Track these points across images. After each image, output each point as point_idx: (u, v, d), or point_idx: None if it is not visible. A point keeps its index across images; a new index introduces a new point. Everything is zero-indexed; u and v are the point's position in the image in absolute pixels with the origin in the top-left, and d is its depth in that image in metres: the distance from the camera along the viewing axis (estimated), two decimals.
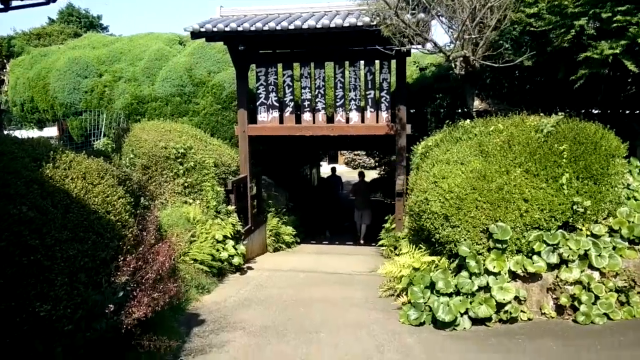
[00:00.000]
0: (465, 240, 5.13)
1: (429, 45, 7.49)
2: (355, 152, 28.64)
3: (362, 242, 12.61)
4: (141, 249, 4.78)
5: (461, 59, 6.35)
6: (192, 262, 6.94)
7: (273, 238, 11.09)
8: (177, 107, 11.77)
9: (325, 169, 22.82)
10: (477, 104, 7.02)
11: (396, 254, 8.22)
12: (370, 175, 22.07)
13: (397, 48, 7.17)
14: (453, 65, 6.81)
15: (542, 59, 6.11)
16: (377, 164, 25.56)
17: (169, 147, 8.17)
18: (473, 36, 5.82)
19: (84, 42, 13.55)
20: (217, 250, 7.74)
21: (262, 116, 9.76)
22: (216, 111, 11.64)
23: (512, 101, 7.21)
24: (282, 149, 12.07)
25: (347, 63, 9.38)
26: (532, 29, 5.91)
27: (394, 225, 9.84)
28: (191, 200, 8.19)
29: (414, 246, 6.59)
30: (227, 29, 8.40)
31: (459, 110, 9.72)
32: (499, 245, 4.91)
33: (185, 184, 8.14)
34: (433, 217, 5.56)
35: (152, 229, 5.35)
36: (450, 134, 6.63)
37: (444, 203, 5.36)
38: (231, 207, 8.89)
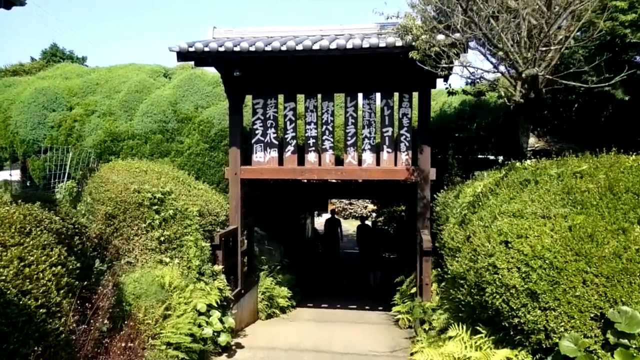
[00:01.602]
0: (567, 330, 3.49)
1: (464, 71, 6.13)
2: (348, 201, 27.04)
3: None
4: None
5: (519, 84, 4.94)
6: (164, 347, 5.11)
7: (266, 302, 9.29)
8: (157, 145, 10.17)
9: (319, 219, 21.25)
10: (533, 141, 5.64)
11: (424, 330, 6.51)
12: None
13: (428, 69, 5.77)
14: (503, 94, 5.40)
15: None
16: (371, 213, 24.05)
17: (143, 192, 6.50)
18: (541, 49, 4.41)
19: (55, 72, 12.05)
20: (199, 325, 5.95)
21: (258, 156, 8.20)
22: (203, 151, 10.05)
23: (575, 139, 5.83)
24: (278, 196, 10.43)
25: (360, 95, 7.98)
26: (631, 39, 4.57)
27: (412, 289, 8.15)
28: (168, 259, 6.44)
29: (463, 327, 4.90)
30: (222, 48, 6.97)
31: (491, 152, 8.31)
32: (625, 341, 3.29)
33: (162, 238, 6.42)
34: (507, 292, 3.94)
35: (105, 307, 3.62)
36: (508, 178, 5.11)
37: (528, 274, 3.75)
38: (218, 267, 7.15)
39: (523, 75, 4.47)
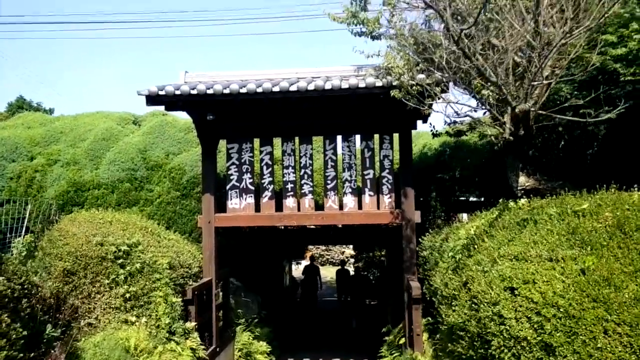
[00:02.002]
0: None
1: (447, 109, 5.96)
2: (325, 247, 26.45)
3: None
4: None
5: (508, 121, 4.76)
6: None
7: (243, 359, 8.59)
8: (125, 195, 9.60)
9: (296, 266, 20.57)
10: (524, 180, 5.43)
11: None
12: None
13: (411, 108, 5.58)
14: (489, 133, 5.22)
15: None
16: (348, 259, 23.47)
17: (107, 244, 5.93)
18: (531, 84, 4.24)
19: (17, 122, 11.48)
20: None
21: (234, 202, 7.76)
22: (174, 199, 9.54)
23: (563, 176, 5.65)
24: (255, 244, 9.91)
25: (339, 137, 7.73)
26: (623, 77, 4.45)
27: (401, 340, 7.64)
28: (134, 318, 5.81)
29: None
30: (194, 92, 6.66)
31: (475, 194, 8.10)
32: None
33: (127, 295, 5.81)
34: (517, 345, 3.53)
35: None
36: (503, 219, 4.82)
37: (541, 324, 3.37)
38: (190, 324, 6.53)
39: (516, 110, 4.28)
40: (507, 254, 4.20)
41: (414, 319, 6.49)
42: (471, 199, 9.22)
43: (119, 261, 5.90)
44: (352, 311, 14.29)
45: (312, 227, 10.96)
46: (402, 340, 7.54)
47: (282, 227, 11.20)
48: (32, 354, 3.17)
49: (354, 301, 14.77)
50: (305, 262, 18.56)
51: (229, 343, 8.28)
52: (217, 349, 7.56)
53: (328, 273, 21.90)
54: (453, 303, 4.82)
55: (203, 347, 6.53)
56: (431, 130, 8.25)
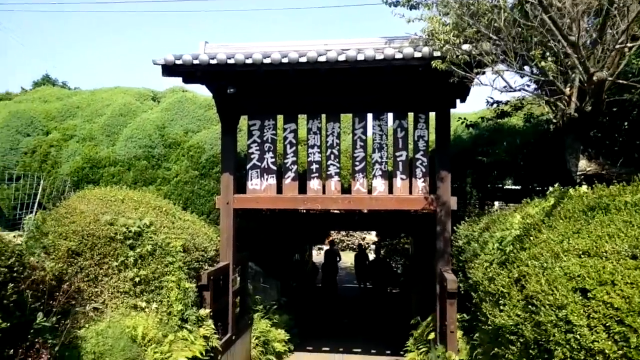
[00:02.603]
0: None
1: (496, 82, 5.25)
2: (346, 232, 25.90)
3: None
4: None
5: (574, 94, 4.06)
6: None
7: (261, 348, 8.17)
8: (141, 173, 9.19)
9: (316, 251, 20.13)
10: (584, 165, 4.74)
11: None
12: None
13: (457, 79, 4.92)
14: (546, 110, 4.53)
15: None
16: (369, 245, 22.88)
17: (117, 224, 5.47)
18: (612, 47, 3.52)
19: (34, 96, 11.17)
20: None
21: (254, 183, 7.23)
22: (192, 179, 9.09)
23: (629, 162, 4.94)
24: (275, 228, 9.42)
25: (370, 115, 7.10)
26: None
27: (430, 335, 7.06)
28: (144, 304, 5.37)
29: None
30: (213, 61, 6.11)
31: (518, 180, 7.40)
32: None
33: (137, 279, 5.36)
34: (588, 358, 2.92)
35: None
36: (563, 207, 4.17)
37: (625, 336, 2.76)
38: (204, 311, 6.08)
39: (594, 77, 3.58)
40: (574, 248, 3.56)
41: (448, 314, 5.89)
42: (507, 186, 8.52)
43: (129, 242, 5.44)
44: (373, 298, 13.88)
45: (336, 211, 10.43)
46: (432, 335, 6.97)
47: (305, 211, 10.69)
48: (18, 349, 2.70)
49: (375, 288, 14.34)
50: (326, 247, 18.18)
51: (245, 331, 7.84)
52: (233, 337, 7.13)
53: (348, 259, 21.39)
54: (501, 302, 4.20)
55: (217, 335, 6.08)
56: (462, 121, 7.55)
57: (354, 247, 25.81)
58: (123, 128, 9.61)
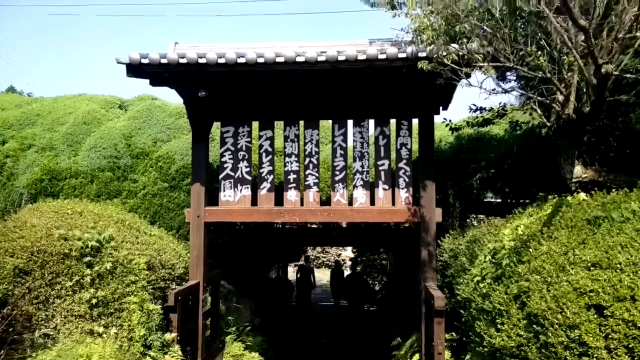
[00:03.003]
0: None
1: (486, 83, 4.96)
2: (322, 249, 25.42)
3: None
4: None
5: (572, 93, 3.77)
6: None
7: None
8: (106, 185, 8.57)
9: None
10: (580, 171, 4.45)
11: None
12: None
13: (444, 81, 4.61)
14: (541, 114, 4.24)
15: None
16: (344, 262, 22.39)
17: (72, 239, 4.91)
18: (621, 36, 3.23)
19: None
20: None
21: (227, 194, 6.75)
22: (161, 191, 8.52)
23: (623, 168, 4.68)
24: (250, 243, 8.90)
25: (350, 122, 6.74)
26: None
27: (415, 357, 6.65)
28: (102, 329, 4.80)
29: None
30: (183, 60, 5.66)
31: (500, 192, 7.13)
32: None
33: (94, 301, 4.79)
34: None
35: None
36: (562, 216, 3.84)
37: None
38: (171, 335, 5.51)
39: (602, 70, 3.28)
40: (581, 260, 3.22)
41: (435, 334, 5.46)
42: (489, 199, 8.28)
43: (86, 259, 4.88)
44: (350, 317, 13.45)
45: (313, 226, 10.00)
46: (416, 358, 6.55)
47: (280, 225, 10.22)
48: None
49: (350, 306, 13.94)
50: (301, 262, 17.74)
51: (216, 355, 7.26)
52: None
53: (324, 276, 20.88)
54: (498, 320, 3.83)
55: None
56: (446, 124, 7.28)
57: (330, 264, 25.35)
58: (86, 137, 8.99)
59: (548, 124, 4.33)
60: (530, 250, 3.78)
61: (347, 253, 22.45)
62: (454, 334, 5.55)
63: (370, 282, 16.87)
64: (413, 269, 7.48)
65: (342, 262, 21.04)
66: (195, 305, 6.63)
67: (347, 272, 16.60)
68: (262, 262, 9.87)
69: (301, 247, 12.58)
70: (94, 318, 4.82)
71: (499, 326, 3.81)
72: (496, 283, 4.08)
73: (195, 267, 6.63)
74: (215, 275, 7.50)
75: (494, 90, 4.72)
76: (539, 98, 4.14)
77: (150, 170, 8.66)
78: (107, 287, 4.90)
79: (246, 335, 8.32)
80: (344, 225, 10.04)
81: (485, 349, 4.00)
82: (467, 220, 7.61)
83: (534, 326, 3.24)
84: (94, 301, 4.76)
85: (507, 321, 3.65)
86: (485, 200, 8.15)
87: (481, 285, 4.31)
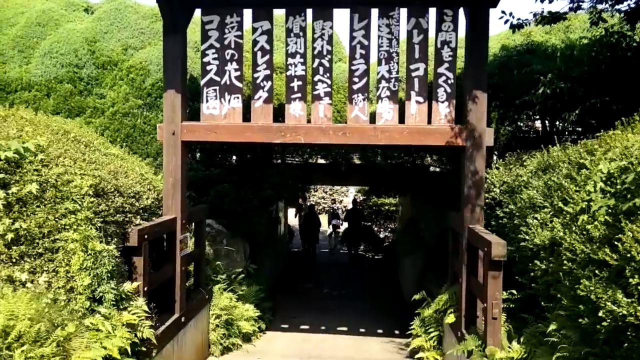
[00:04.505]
0: None
1: None
2: (323, 191, 24.04)
3: None
4: None
5: None
6: None
7: (222, 330, 6.35)
8: (65, 100, 6.97)
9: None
10: None
11: None
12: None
13: None
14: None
15: None
16: (346, 208, 21.14)
17: None
18: None
19: None
20: None
21: (211, 106, 5.15)
22: (134, 109, 6.95)
23: None
24: (244, 176, 7.41)
25: (374, 11, 5.02)
26: None
27: (449, 317, 5.30)
28: (25, 275, 3.36)
29: None
30: None
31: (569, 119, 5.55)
32: None
33: (12, 236, 3.31)
34: None
35: None
36: None
37: None
38: (132, 286, 4.07)
39: None
40: None
41: (489, 292, 4.03)
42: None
43: None
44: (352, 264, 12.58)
45: (321, 161, 8.53)
46: (451, 318, 5.21)
47: (280, 161, 8.75)
48: None
49: (350, 251, 13.49)
50: (307, 203, 16.63)
51: (201, 308, 5.95)
52: (182, 319, 5.22)
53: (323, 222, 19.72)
54: (632, 281, 2.36)
55: (151, 322, 4.12)
56: (506, 20, 5.56)
57: (331, 209, 24.15)
58: (41, 41, 7.28)
59: None
60: None
61: (350, 198, 21.19)
62: (514, 291, 4.14)
63: (375, 229, 15.74)
64: (443, 211, 6.05)
65: (344, 209, 19.76)
66: (172, 247, 5.22)
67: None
68: (259, 199, 8.40)
69: (304, 185, 10.90)
70: (13, 260, 3.37)
71: (630, 289, 2.35)
72: (622, 222, 2.57)
73: (171, 198, 5.15)
74: (199, 211, 6.05)
75: None
76: None
77: (121, 84, 7.03)
78: (31, 217, 3.42)
79: (239, 284, 7.09)
80: (356, 162, 8.56)
81: (597, 321, 2.55)
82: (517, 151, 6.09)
83: None
84: (10, 236, 3.29)
85: None
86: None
87: (589, 226, 2.81)
